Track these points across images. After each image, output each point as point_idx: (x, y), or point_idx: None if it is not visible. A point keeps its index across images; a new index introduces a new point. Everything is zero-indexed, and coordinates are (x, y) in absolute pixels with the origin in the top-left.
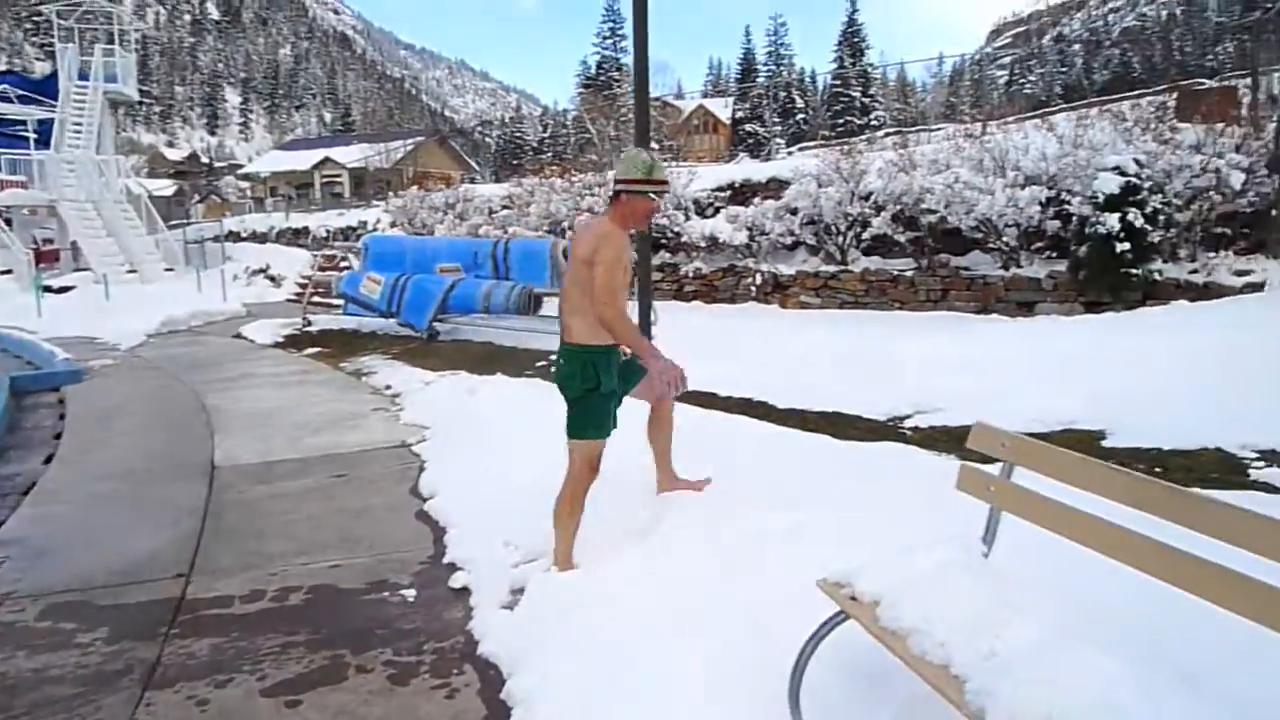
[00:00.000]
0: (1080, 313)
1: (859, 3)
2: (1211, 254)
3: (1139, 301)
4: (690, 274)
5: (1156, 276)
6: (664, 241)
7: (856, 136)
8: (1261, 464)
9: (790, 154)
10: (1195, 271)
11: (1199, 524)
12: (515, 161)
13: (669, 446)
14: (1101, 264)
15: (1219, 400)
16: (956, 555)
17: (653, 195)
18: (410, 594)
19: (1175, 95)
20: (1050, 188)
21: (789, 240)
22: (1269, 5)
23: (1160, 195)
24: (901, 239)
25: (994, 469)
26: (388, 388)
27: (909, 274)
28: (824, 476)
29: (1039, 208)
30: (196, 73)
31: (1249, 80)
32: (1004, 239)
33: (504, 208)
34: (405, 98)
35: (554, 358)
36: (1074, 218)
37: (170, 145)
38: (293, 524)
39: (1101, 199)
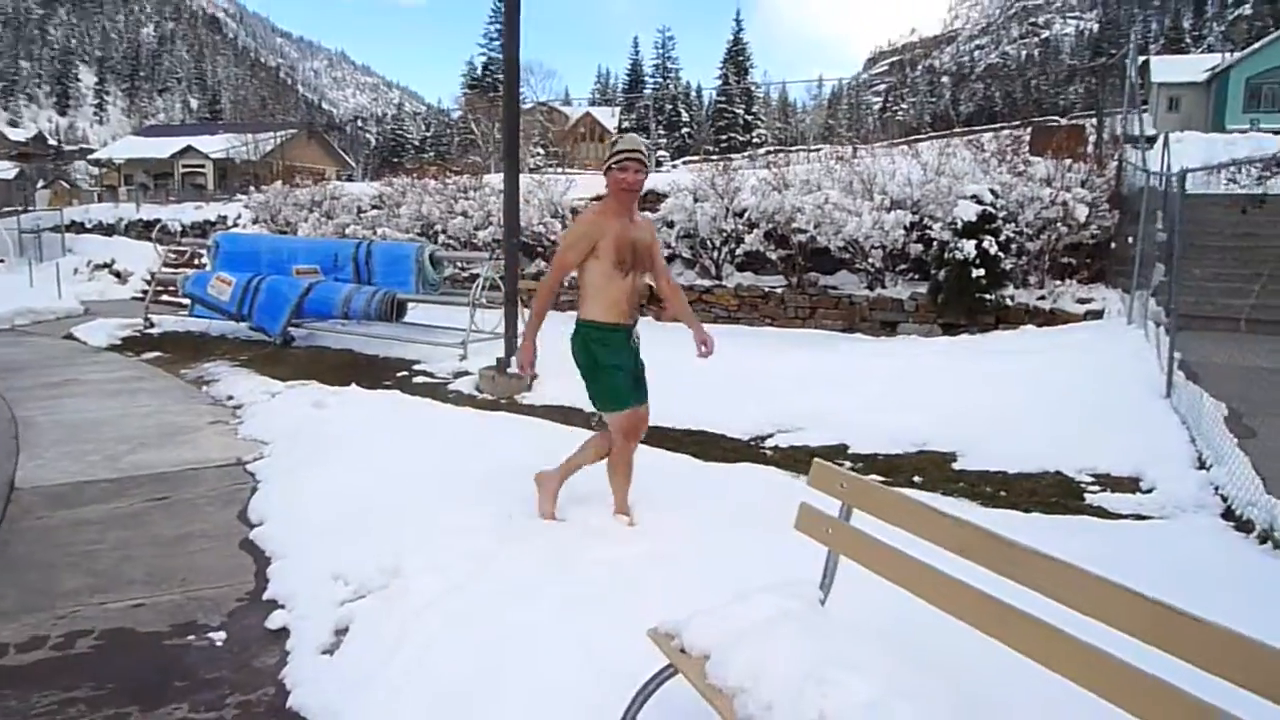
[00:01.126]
0: (939, 334)
1: (744, 22)
2: (1058, 282)
3: (992, 325)
4: (566, 284)
5: (1009, 301)
6: (539, 250)
7: (739, 153)
8: (1096, 488)
9: (674, 166)
10: (1043, 298)
11: (1021, 575)
12: (396, 160)
13: (619, 482)
14: (959, 288)
15: (1058, 425)
16: (792, 604)
17: (620, 166)
18: (219, 637)
19: (1029, 130)
20: (914, 212)
21: (665, 253)
22: (1113, 52)
23: (1014, 224)
24: (774, 256)
25: (833, 509)
26: (229, 398)
27: (780, 291)
28: (685, 501)
29: (903, 231)
30: (46, 47)
31: (1095, 120)
32: (870, 260)
33: (374, 208)
34: (280, 88)
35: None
36: (935, 242)
37: (13, 125)
38: (94, 555)
39: (960, 225)
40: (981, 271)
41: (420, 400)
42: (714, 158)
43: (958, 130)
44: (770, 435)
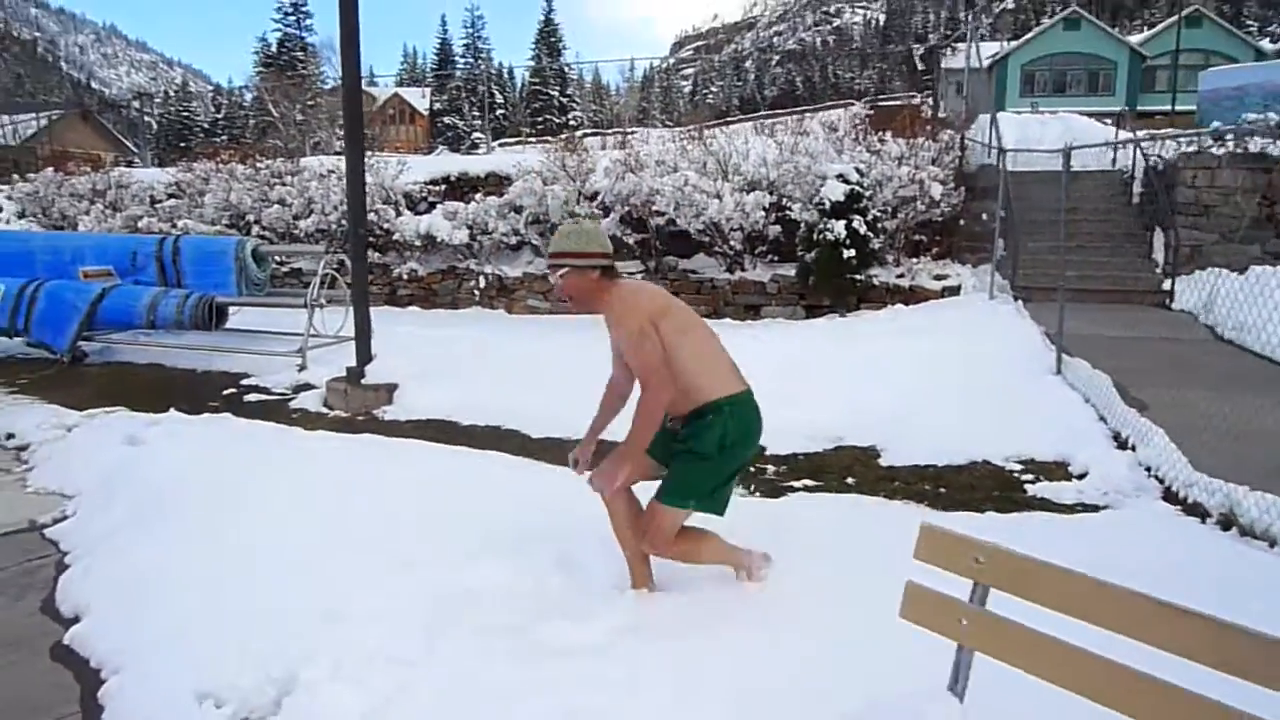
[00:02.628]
0: (802, 316)
1: (554, 1)
2: (914, 260)
3: (856, 305)
4: (405, 276)
5: (875, 281)
6: (372, 240)
7: (556, 135)
8: (1029, 477)
9: (493, 149)
10: (902, 276)
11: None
12: (183, 144)
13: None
14: (829, 269)
15: (969, 410)
16: None
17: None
18: None
19: (871, 110)
20: (771, 193)
21: (514, 240)
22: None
23: (873, 203)
24: (630, 240)
25: (952, 587)
26: (9, 437)
27: (638, 277)
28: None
29: (763, 213)
30: None
31: (931, 100)
32: (730, 243)
33: (170, 197)
34: (39, 65)
35: None
36: (801, 224)
37: None
38: None
39: (828, 205)
40: (852, 252)
41: (263, 425)
42: (532, 140)
43: (777, 111)
44: None
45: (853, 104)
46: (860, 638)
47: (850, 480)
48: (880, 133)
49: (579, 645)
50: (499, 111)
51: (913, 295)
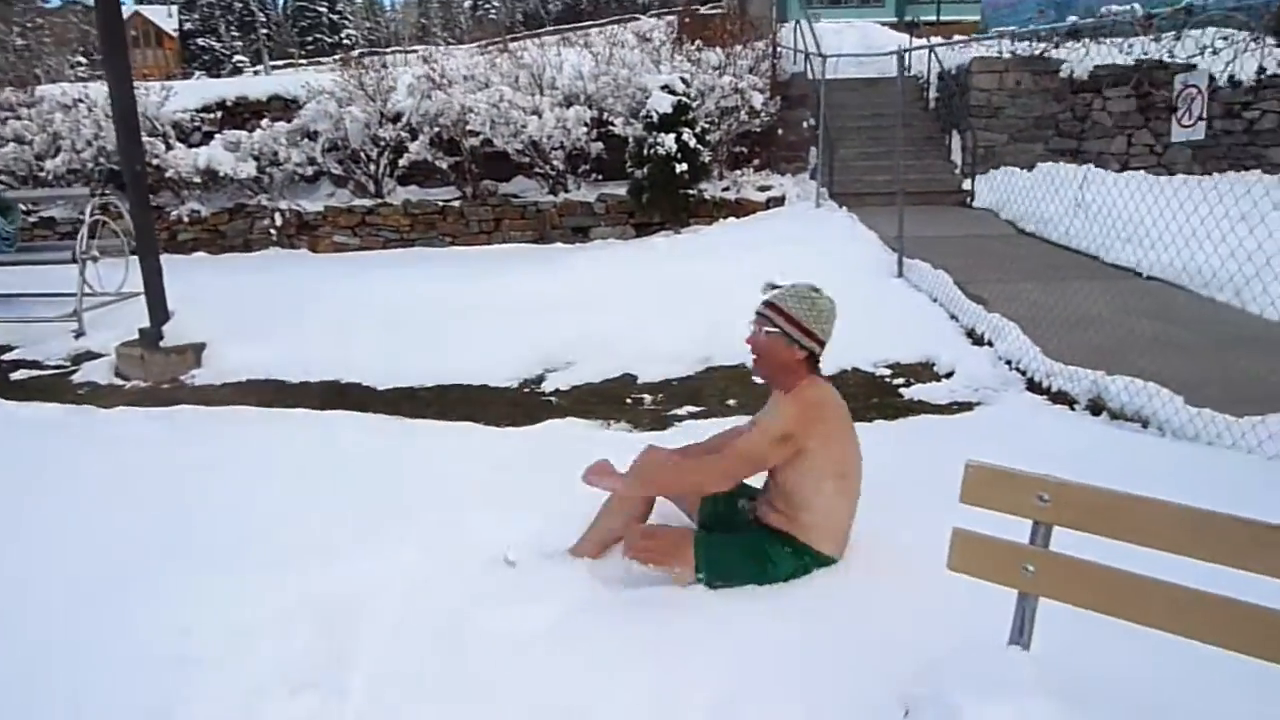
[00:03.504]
0: (633, 235)
1: None
2: (738, 172)
3: (688, 221)
4: (185, 219)
5: (706, 196)
6: None
7: (329, 56)
8: (900, 380)
9: (257, 72)
10: (728, 189)
11: None
12: None
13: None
14: (663, 184)
15: None
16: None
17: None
18: None
19: (683, 19)
20: (591, 108)
21: (310, 170)
22: None
23: (700, 116)
24: (444, 165)
25: (1008, 529)
26: None
27: (457, 204)
28: (511, 499)
29: (585, 129)
30: None
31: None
32: (552, 162)
33: None
34: None
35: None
36: (627, 139)
37: None
38: None
39: (656, 118)
40: (684, 166)
41: (46, 408)
42: (303, 62)
43: (564, 26)
44: (542, 376)
45: (664, 13)
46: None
47: (731, 402)
48: (693, 42)
49: (530, 634)
50: (262, 32)
51: (739, 208)
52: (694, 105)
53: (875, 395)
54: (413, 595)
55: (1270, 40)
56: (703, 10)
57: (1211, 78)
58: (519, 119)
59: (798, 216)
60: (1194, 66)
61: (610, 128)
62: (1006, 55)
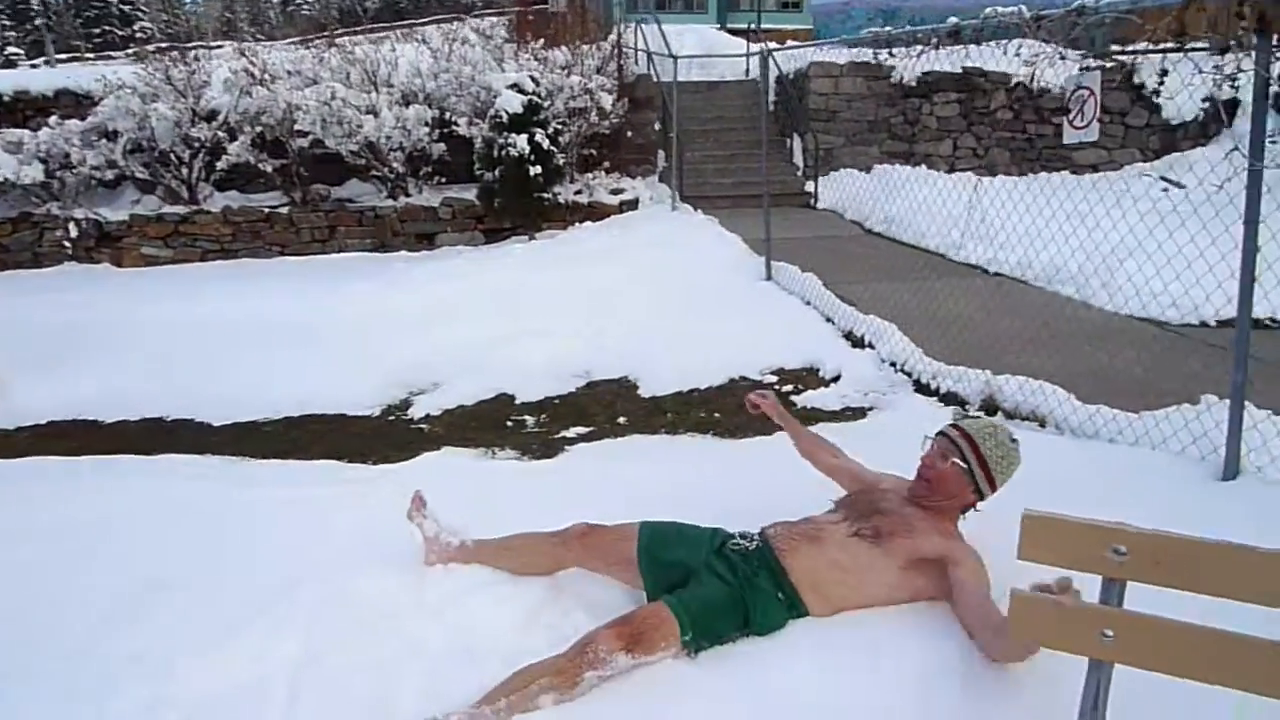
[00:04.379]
0: (482, 241)
1: None
2: (589, 175)
3: (540, 226)
4: None
5: (560, 199)
6: None
7: (120, 50)
8: (790, 388)
9: (37, 65)
10: (580, 192)
11: None
12: None
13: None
14: (516, 188)
15: (707, 327)
16: None
17: None
18: None
19: (524, 16)
20: (432, 107)
21: (110, 175)
22: None
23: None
24: (268, 168)
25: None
26: None
27: (285, 210)
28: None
29: (427, 129)
30: None
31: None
32: (391, 165)
33: None
34: None
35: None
36: (473, 140)
37: None
38: None
39: (506, 119)
40: (538, 168)
41: None
42: (89, 56)
43: (416, 21)
44: (408, 401)
45: (486, 13)
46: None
47: (622, 420)
48: (537, 40)
49: None
50: (37, 21)
51: (593, 211)
52: (545, 105)
53: None
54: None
55: (1071, 52)
56: (536, 8)
57: (1024, 85)
58: (354, 118)
59: (656, 219)
60: (1088, 68)
61: (454, 128)
62: (842, 61)
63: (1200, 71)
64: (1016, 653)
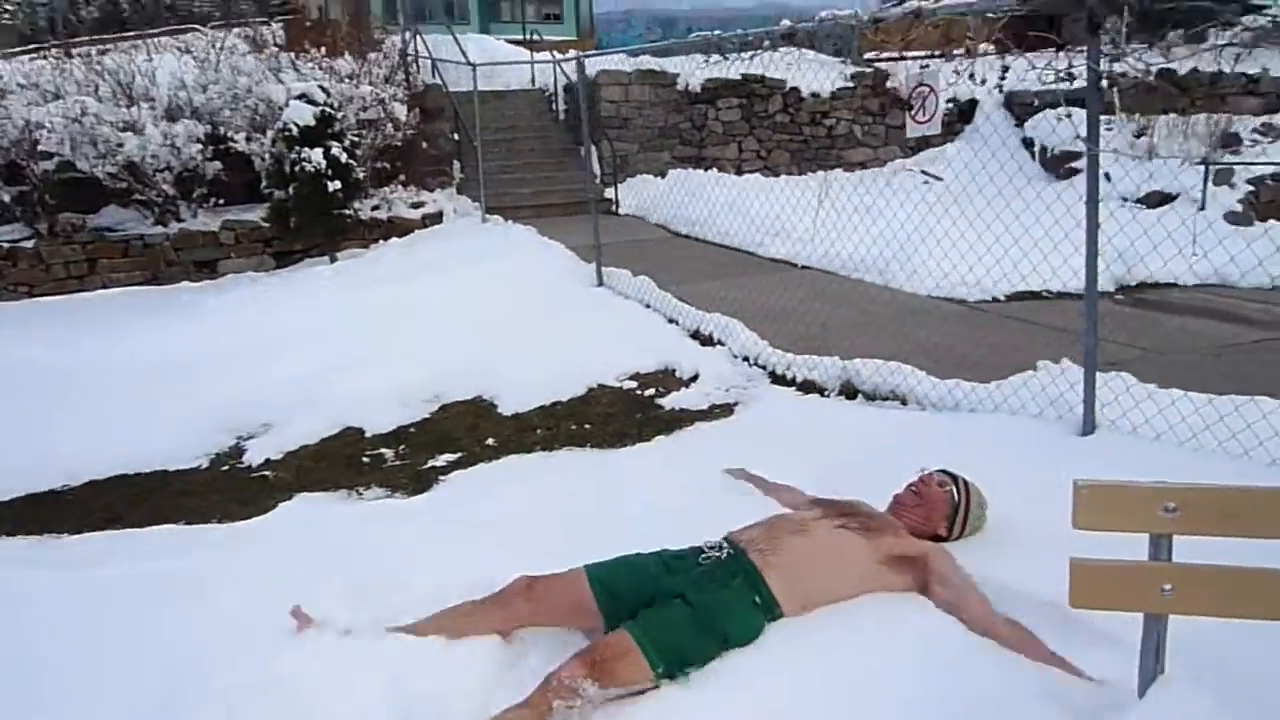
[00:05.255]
0: (273, 266)
1: None
2: (387, 188)
3: (341, 245)
4: None
5: (360, 216)
6: None
7: None
8: (651, 392)
9: None
10: (378, 208)
11: None
12: None
13: None
14: (314, 206)
15: (551, 338)
16: None
17: None
18: None
19: (301, 24)
20: (202, 121)
21: None
22: None
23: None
24: (5, 197)
25: (1123, 546)
26: None
27: (29, 245)
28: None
29: (199, 146)
30: None
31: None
32: (159, 187)
33: None
34: None
35: None
36: (264, 156)
37: None
38: None
39: (296, 132)
40: (337, 184)
41: None
42: None
43: (110, 37)
44: (239, 447)
45: (243, 21)
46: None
47: (490, 442)
48: (312, 49)
49: None
50: None
51: (394, 227)
52: (338, 117)
53: (638, 411)
54: None
55: (836, 59)
56: (294, 17)
57: (797, 90)
58: (110, 136)
59: (470, 232)
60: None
61: (230, 144)
62: (629, 69)
63: (965, 73)
64: (1016, 633)
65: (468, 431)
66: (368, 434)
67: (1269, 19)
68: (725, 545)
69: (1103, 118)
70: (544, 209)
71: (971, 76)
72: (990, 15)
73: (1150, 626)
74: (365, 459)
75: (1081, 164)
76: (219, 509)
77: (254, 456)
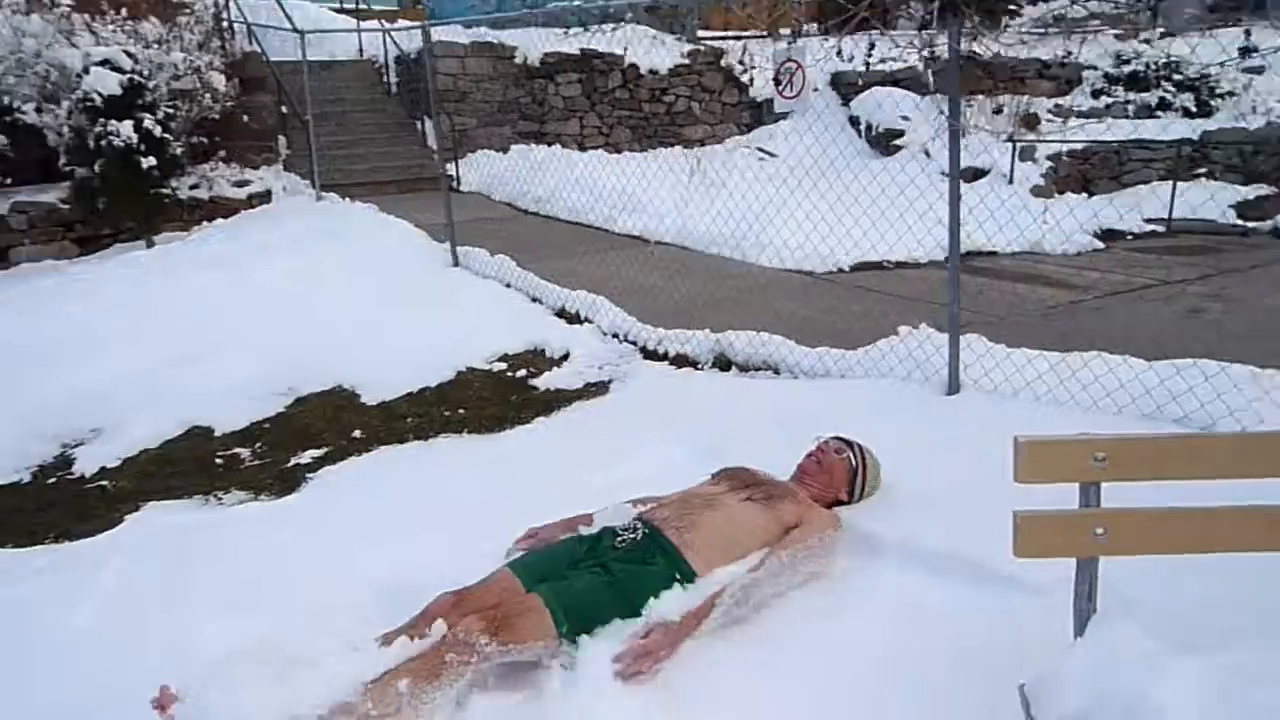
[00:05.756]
0: (77, 253)
1: None
2: (207, 165)
3: (159, 228)
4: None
5: (180, 196)
6: None
7: None
8: (523, 373)
9: None
10: (197, 186)
11: None
12: None
13: None
14: (126, 185)
15: (412, 322)
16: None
17: None
18: None
19: None
20: None
21: None
22: None
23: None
24: None
25: (1056, 497)
26: None
27: None
28: None
29: None
30: None
31: None
32: None
33: None
34: None
35: None
36: (63, 130)
37: None
38: None
39: (101, 102)
40: (152, 159)
41: None
42: None
43: None
44: (67, 456)
45: None
46: None
47: (357, 434)
48: (110, 9)
49: None
50: None
51: (217, 208)
52: (149, 86)
53: (511, 393)
54: None
55: (672, 37)
56: None
57: (635, 66)
58: None
59: (304, 212)
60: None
61: (17, 117)
62: (466, 41)
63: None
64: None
65: (330, 424)
66: (217, 433)
67: (1059, 7)
68: (640, 526)
69: (920, 97)
70: (380, 186)
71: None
72: None
73: (1083, 570)
74: (218, 460)
75: (905, 140)
76: (54, 525)
77: (86, 466)
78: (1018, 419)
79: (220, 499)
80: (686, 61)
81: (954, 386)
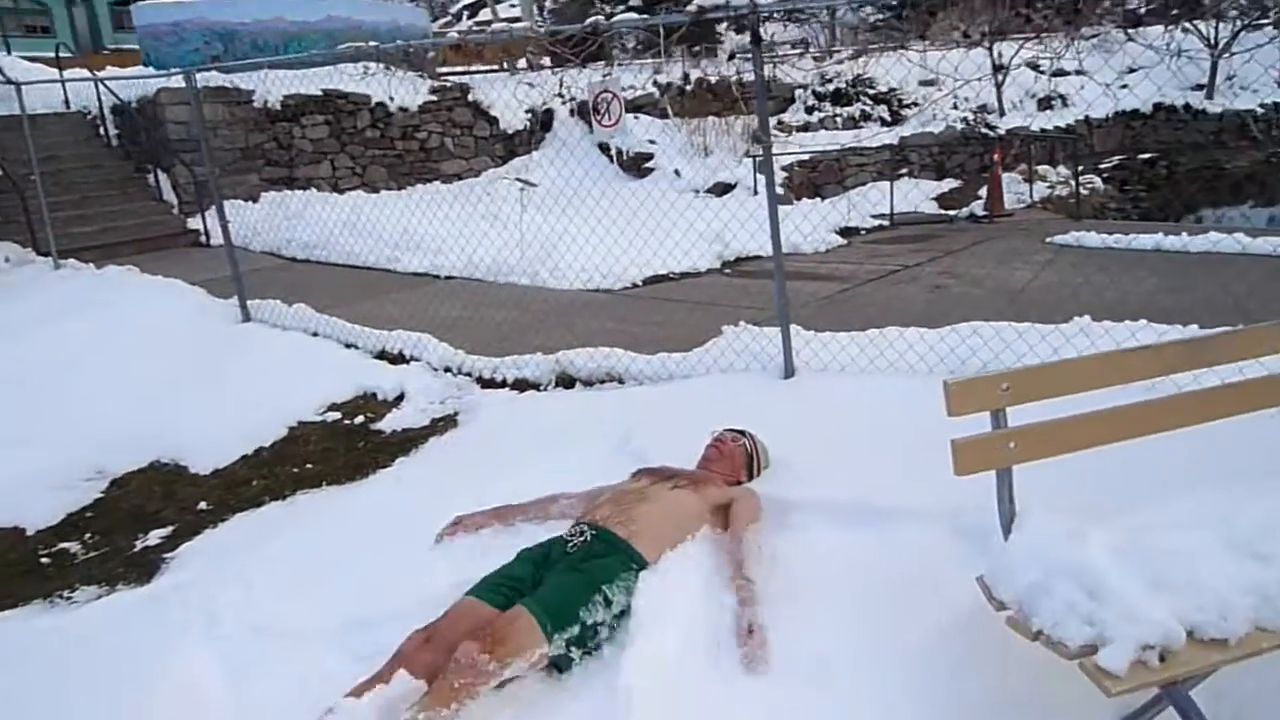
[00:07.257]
0: None
1: None
2: None
3: None
4: None
5: None
6: None
7: None
8: (360, 420)
9: None
10: None
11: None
12: None
13: None
14: None
15: (206, 386)
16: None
17: None
18: None
19: None
20: None
21: None
22: None
23: None
24: None
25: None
26: None
27: None
28: None
29: None
30: None
31: None
32: None
33: None
34: None
35: None
36: None
37: None
38: None
39: None
40: None
41: None
42: None
43: None
44: None
45: None
46: None
47: (202, 506)
48: None
49: None
50: None
51: None
52: None
53: (357, 440)
54: None
55: (412, 73)
56: None
57: (384, 104)
58: None
59: (44, 283)
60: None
61: None
62: (200, 86)
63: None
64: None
65: (165, 501)
66: (29, 531)
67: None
68: (585, 528)
69: (662, 121)
70: (113, 248)
71: (531, 86)
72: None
73: (1002, 479)
74: (43, 559)
75: (654, 163)
76: None
77: None
78: (847, 391)
79: (69, 598)
80: (434, 98)
81: (789, 371)
